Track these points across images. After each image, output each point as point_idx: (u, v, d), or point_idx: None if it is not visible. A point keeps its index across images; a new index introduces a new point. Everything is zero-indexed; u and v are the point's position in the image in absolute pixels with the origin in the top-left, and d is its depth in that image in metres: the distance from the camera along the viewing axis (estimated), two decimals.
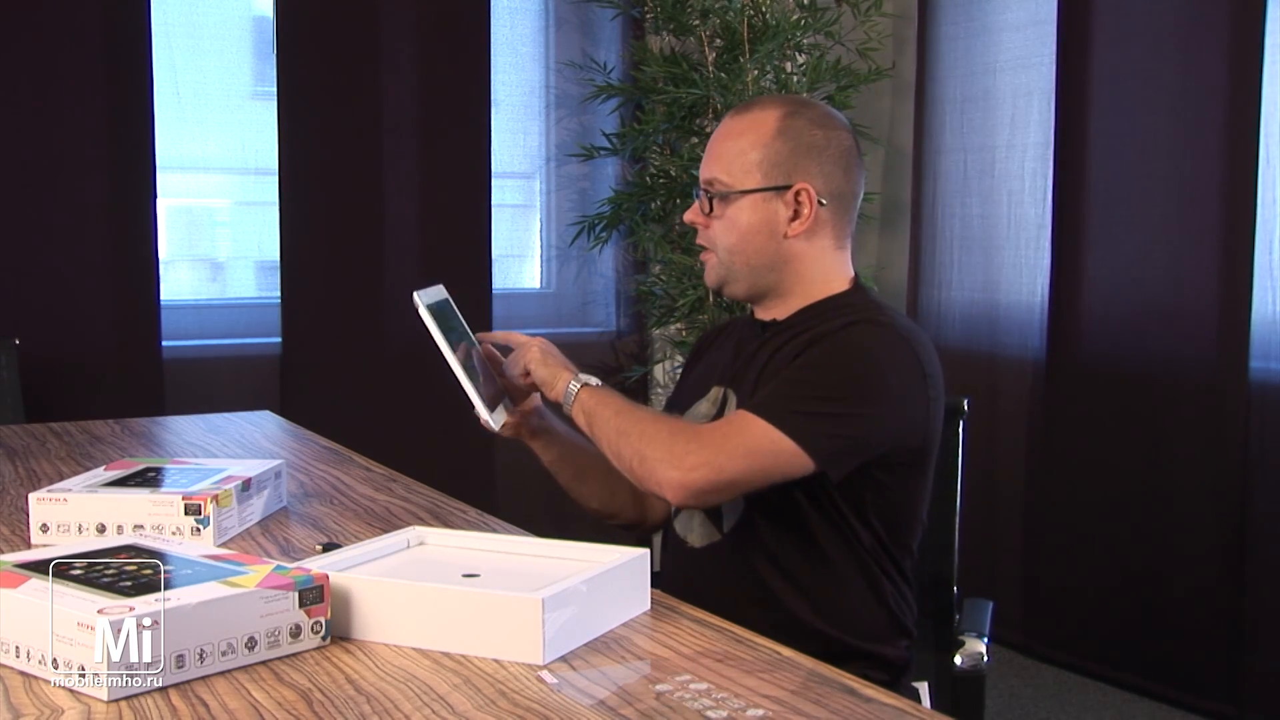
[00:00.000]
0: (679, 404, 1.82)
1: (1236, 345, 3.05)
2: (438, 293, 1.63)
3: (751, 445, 1.51)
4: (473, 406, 1.59)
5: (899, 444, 1.59)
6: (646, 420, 1.58)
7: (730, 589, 1.62)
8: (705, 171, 1.71)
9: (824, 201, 1.65)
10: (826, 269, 1.69)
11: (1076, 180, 3.44)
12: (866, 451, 1.56)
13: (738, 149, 1.68)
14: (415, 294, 1.56)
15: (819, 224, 1.66)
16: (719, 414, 1.70)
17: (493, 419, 1.60)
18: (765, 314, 1.73)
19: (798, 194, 1.65)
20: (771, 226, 1.66)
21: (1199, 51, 3.13)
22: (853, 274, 1.72)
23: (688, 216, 1.73)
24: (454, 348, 1.57)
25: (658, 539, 1.91)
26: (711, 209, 1.68)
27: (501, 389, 1.70)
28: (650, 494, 1.62)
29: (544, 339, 1.70)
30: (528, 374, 1.66)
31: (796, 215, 1.65)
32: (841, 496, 1.59)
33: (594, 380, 1.64)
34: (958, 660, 1.70)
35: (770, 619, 1.48)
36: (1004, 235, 3.74)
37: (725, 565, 1.65)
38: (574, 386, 1.63)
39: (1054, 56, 3.50)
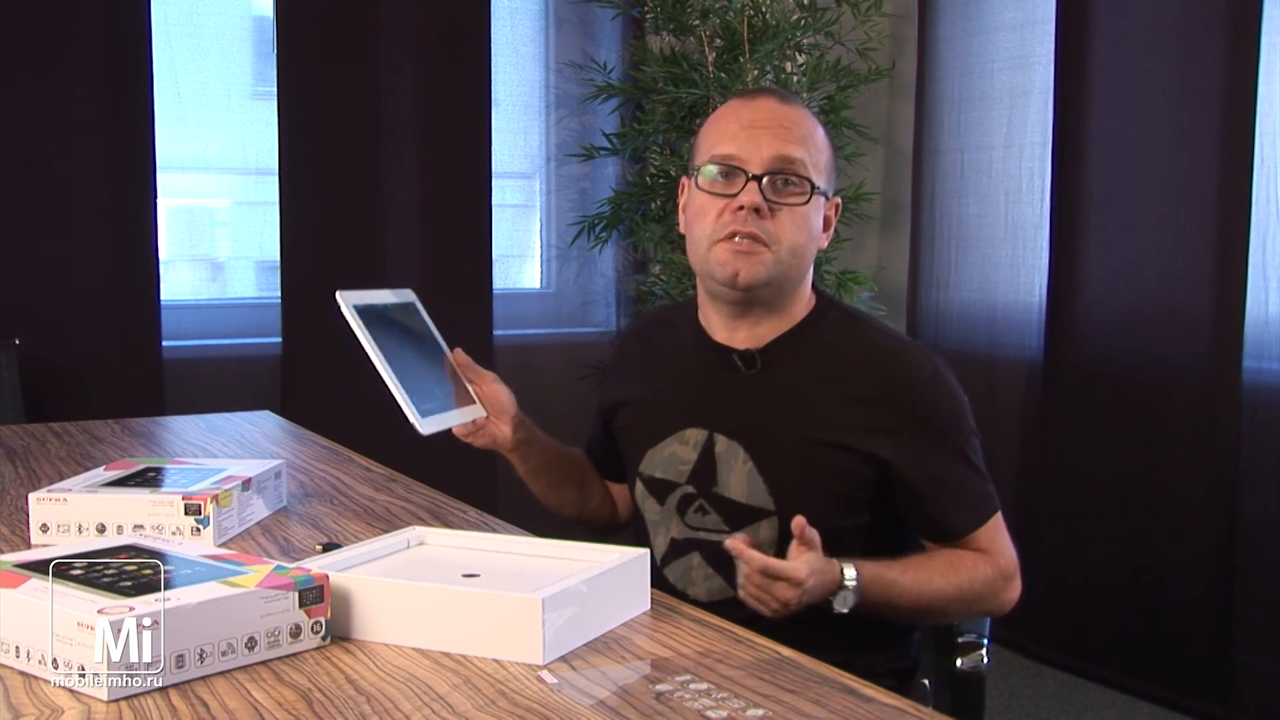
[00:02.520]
0: (637, 434, 1.68)
1: (1230, 345, 3.05)
2: (391, 296, 1.54)
3: (1004, 536, 1.61)
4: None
5: None
6: (947, 585, 1.54)
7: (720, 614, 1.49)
8: (785, 149, 1.53)
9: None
10: (807, 285, 1.64)
11: (1074, 180, 3.44)
12: None
13: (816, 144, 1.56)
14: (339, 294, 1.46)
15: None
16: (705, 460, 1.61)
17: (423, 424, 1.47)
18: (733, 337, 1.61)
19: (834, 208, 1.62)
20: (818, 234, 1.60)
21: (1196, 52, 3.13)
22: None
23: (756, 200, 1.51)
24: (384, 349, 1.46)
25: None
26: (781, 199, 1.52)
27: (476, 395, 1.62)
28: None
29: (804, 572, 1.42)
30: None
31: (826, 228, 1.62)
32: (889, 543, 1.60)
33: (851, 571, 1.47)
34: (958, 661, 1.70)
35: None
36: (1001, 235, 3.74)
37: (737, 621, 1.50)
38: (850, 579, 1.47)
39: (1052, 56, 3.50)
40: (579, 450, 1.87)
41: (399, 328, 1.54)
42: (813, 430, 1.56)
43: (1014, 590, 1.59)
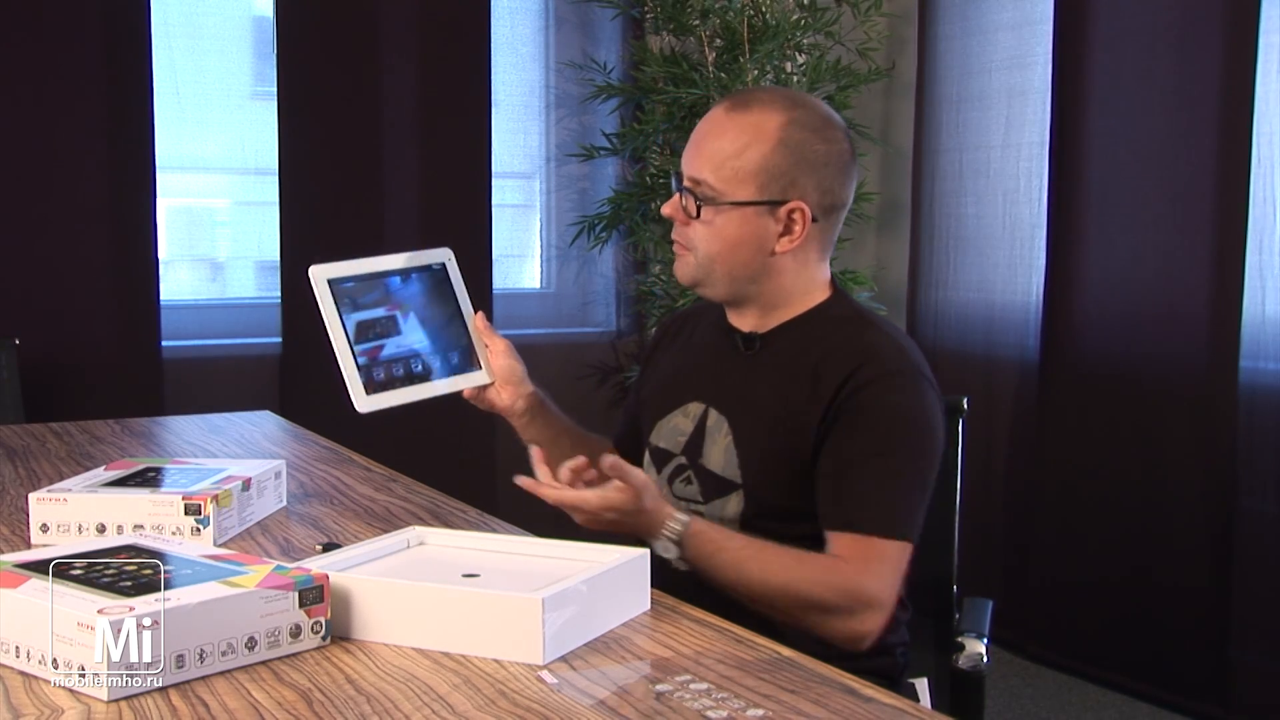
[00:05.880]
0: (651, 406, 1.76)
1: (1227, 345, 3.05)
2: (398, 261, 1.63)
3: (893, 566, 1.50)
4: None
5: None
6: (780, 571, 1.48)
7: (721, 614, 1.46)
8: (691, 168, 1.61)
9: (817, 219, 1.60)
10: (809, 280, 1.65)
11: (1071, 180, 3.44)
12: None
13: (732, 151, 1.58)
14: (313, 268, 1.56)
15: (808, 239, 1.61)
16: (697, 431, 1.66)
17: (360, 402, 1.55)
18: (742, 322, 1.68)
19: (791, 212, 1.59)
20: (759, 241, 1.60)
21: (1193, 52, 3.13)
22: (829, 276, 1.68)
23: (666, 210, 1.64)
24: (345, 324, 1.56)
25: None
26: (698, 213, 1.60)
27: (486, 361, 1.70)
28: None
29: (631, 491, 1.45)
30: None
31: (786, 231, 1.59)
32: None
33: (675, 523, 1.48)
34: (958, 661, 1.70)
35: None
36: (999, 235, 3.74)
37: (715, 591, 1.52)
38: (672, 530, 1.47)
39: (1050, 56, 3.50)
40: (601, 438, 1.91)
41: (405, 293, 1.63)
42: (783, 412, 1.59)
43: (866, 623, 1.47)
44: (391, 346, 1.61)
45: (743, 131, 1.59)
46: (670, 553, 1.48)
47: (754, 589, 1.48)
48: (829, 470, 1.55)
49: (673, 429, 1.70)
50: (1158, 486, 3.23)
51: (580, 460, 1.49)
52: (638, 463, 1.84)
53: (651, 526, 1.47)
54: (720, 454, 1.64)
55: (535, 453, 1.51)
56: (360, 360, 1.57)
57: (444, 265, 1.68)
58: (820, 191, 1.59)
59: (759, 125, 1.58)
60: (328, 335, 1.56)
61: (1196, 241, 3.13)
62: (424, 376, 1.64)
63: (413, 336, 1.64)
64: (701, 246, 1.62)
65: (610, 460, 1.42)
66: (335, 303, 1.57)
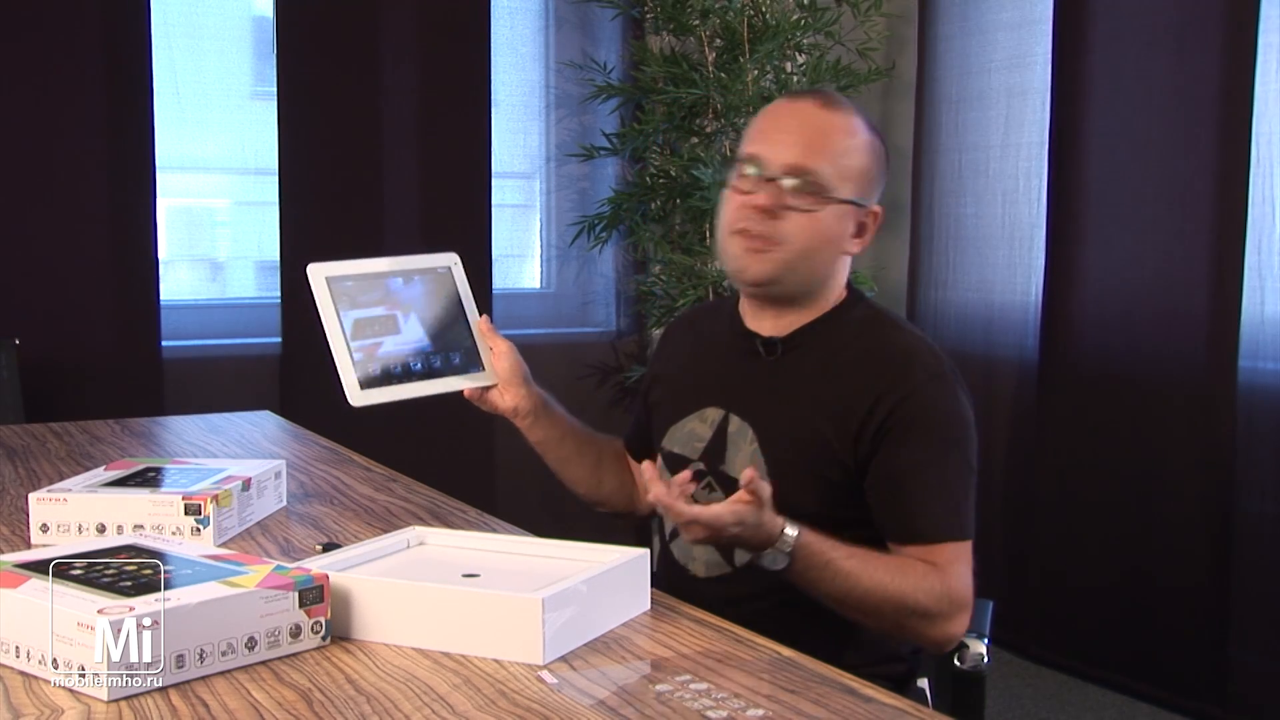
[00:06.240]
0: (663, 411, 1.75)
1: (1226, 345, 3.05)
2: (390, 265, 1.64)
3: (968, 566, 1.53)
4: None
5: None
6: (886, 581, 1.47)
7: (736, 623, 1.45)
8: (802, 158, 1.56)
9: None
10: (839, 281, 1.66)
11: (1070, 180, 3.44)
12: None
13: (845, 149, 1.58)
14: (311, 266, 1.57)
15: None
16: (717, 438, 1.65)
17: (354, 396, 1.55)
18: (760, 324, 1.66)
19: (872, 216, 1.62)
20: (840, 242, 1.61)
21: (1193, 52, 3.13)
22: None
23: (762, 201, 1.55)
24: (342, 320, 1.57)
25: (657, 540, 1.90)
26: (792, 203, 1.55)
27: (489, 363, 1.70)
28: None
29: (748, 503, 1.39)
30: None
31: (859, 233, 1.62)
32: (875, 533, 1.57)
33: (791, 531, 1.44)
34: (958, 661, 1.70)
35: None
36: (998, 235, 3.74)
37: (732, 600, 1.54)
38: (787, 542, 1.43)
39: (1049, 56, 3.50)
40: (609, 438, 1.91)
41: (407, 293, 1.64)
42: (815, 418, 1.58)
43: (958, 625, 1.51)
44: (390, 344, 1.61)
45: (846, 130, 1.59)
46: (778, 564, 1.43)
47: (862, 599, 1.47)
48: (888, 482, 1.55)
49: (688, 434, 1.69)
50: (1157, 486, 3.24)
51: (685, 474, 1.45)
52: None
53: (769, 538, 1.42)
54: (746, 461, 1.61)
55: (647, 467, 1.42)
56: (356, 356, 1.57)
57: (449, 269, 1.69)
58: (880, 198, 1.64)
59: (853, 126, 1.60)
60: (324, 332, 1.56)
61: (1195, 241, 3.13)
62: (423, 375, 1.64)
63: (412, 336, 1.64)
64: (797, 240, 1.57)
65: (749, 473, 1.37)
66: (333, 300, 1.57)
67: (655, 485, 1.38)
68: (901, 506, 1.54)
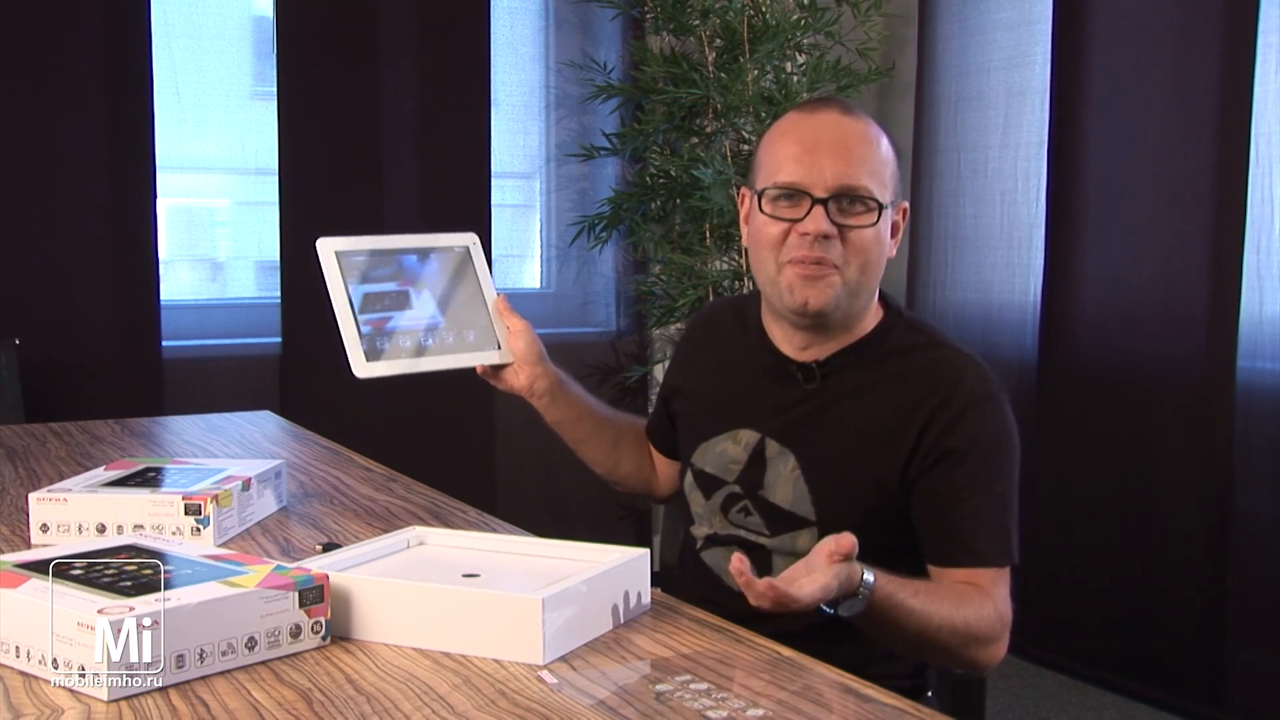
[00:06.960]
0: (692, 426, 1.71)
1: (1225, 345, 3.05)
2: (407, 242, 1.64)
3: (1008, 588, 1.52)
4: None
5: None
6: (951, 614, 1.45)
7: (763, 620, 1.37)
8: (846, 175, 1.51)
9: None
10: (876, 292, 1.61)
11: (1069, 180, 3.44)
12: None
13: (880, 158, 1.54)
14: (320, 240, 1.57)
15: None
16: (754, 461, 1.61)
17: (359, 368, 1.55)
18: (793, 347, 1.61)
19: (900, 213, 1.59)
20: (886, 245, 1.57)
21: (1192, 52, 3.14)
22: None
23: (823, 227, 1.50)
24: (350, 293, 1.56)
25: (657, 540, 1.91)
26: (847, 222, 1.51)
27: (505, 342, 1.71)
28: None
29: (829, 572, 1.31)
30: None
31: (893, 234, 1.58)
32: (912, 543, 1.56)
33: (869, 577, 1.37)
34: None
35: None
36: (997, 235, 3.74)
37: (768, 614, 1.45)
38: (865, 589, 1.36)
39: (1048, 56, 3.50)
40: (628, 417, 1.91)
41: (421, 270, 1.63)
42: (861, 446, 1.55)
43: (1003, 648, 1.50)
44: (400, 319, 1.60)
45: (873, 137, 1.56)
46: (855, 609, 1.36)
47: (933, 636, 1.43)
48: (938, 505, 1.52)
49: (721, 454, 1.65)
50: (1155, 487, 3.24)
51: (741, 563, 1.27)
52: (676, 453, 1.85)
53: (853, 587, 1.34)
54: (788, 489, 1.58)
55: (736, 560, 1.26)
56: (364, 329, 1.56)
57: (468, 249, 1.68)
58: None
59: (875, 130, 1.57)
60: (331, 306, 1.55)
61: (1194, 242, 3.13)
62: (433, 350, 1.63)
63: (425, 312, 1.63)
64: (857, 259, 1.53)
65: (835, 542, 1.30)
66: (341, 273, 1.56)
67: (755, 586, 1.27)
68: (952, 530, 1.52)
